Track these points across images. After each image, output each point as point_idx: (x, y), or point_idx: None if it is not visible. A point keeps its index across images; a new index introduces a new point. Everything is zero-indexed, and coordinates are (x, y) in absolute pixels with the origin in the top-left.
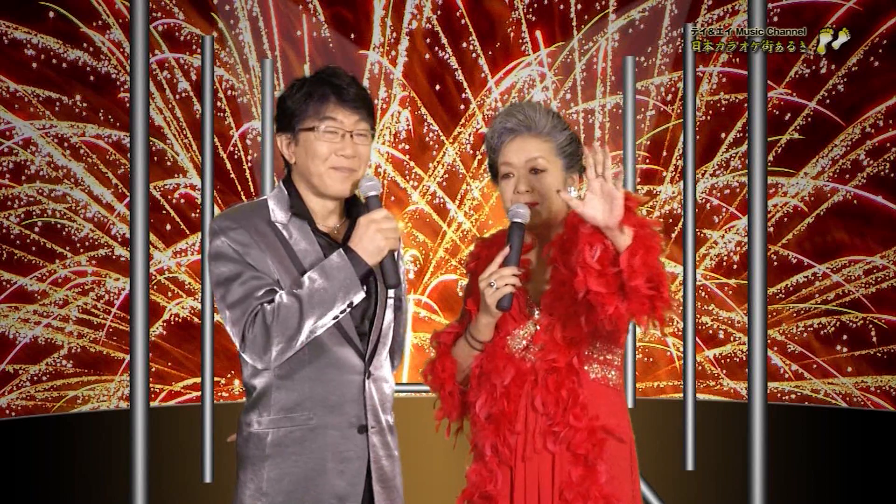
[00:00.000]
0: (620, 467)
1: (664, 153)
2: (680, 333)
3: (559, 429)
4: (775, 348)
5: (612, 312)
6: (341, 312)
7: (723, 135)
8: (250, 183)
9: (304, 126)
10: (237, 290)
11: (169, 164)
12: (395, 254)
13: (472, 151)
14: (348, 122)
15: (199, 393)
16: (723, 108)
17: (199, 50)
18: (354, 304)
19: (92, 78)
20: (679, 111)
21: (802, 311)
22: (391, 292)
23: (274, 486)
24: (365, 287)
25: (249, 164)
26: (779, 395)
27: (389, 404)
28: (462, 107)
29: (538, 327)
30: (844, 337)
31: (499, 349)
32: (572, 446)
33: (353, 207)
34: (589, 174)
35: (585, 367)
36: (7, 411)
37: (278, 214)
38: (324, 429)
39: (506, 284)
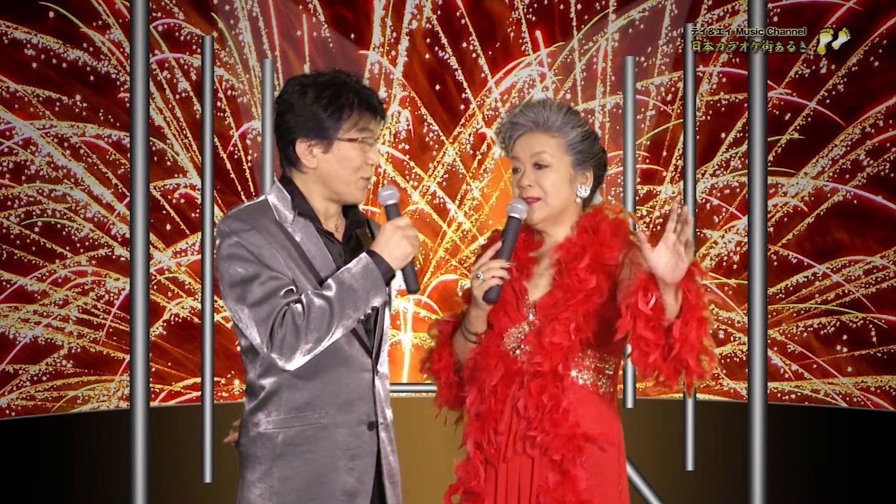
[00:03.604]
0: (606, 476)
1: (664, 153)
2: None
3: (536, 433)
4: (775, 348)
5: (652, 363)
6: (365, 315)
7: (723, 135)
8: (250, 183)
9: (346, 136)
10: (258, 290)
11: (169, 164)
12: (414, 260)
13: (472, 151)
14: (377, 133)
15: (199, 393)
16: (723, 108)
17: (199, 50)
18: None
19: (92, 78)
20: (679, 111)
21: (802, 311)
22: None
23: (286, 486)
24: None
25: (249, 164)
26: (779, 395)
27: (389, 400)
28: (462, 107)
29: (532, 328)
30: (844, 337)
31: (493, 346)
32: (549, 452)
33: (349, 208)
34: (668, 227)
35: (574, 373)
36: (7, 411)
37: (283, 214)
38: (335, 427)
39: (493, 277)
